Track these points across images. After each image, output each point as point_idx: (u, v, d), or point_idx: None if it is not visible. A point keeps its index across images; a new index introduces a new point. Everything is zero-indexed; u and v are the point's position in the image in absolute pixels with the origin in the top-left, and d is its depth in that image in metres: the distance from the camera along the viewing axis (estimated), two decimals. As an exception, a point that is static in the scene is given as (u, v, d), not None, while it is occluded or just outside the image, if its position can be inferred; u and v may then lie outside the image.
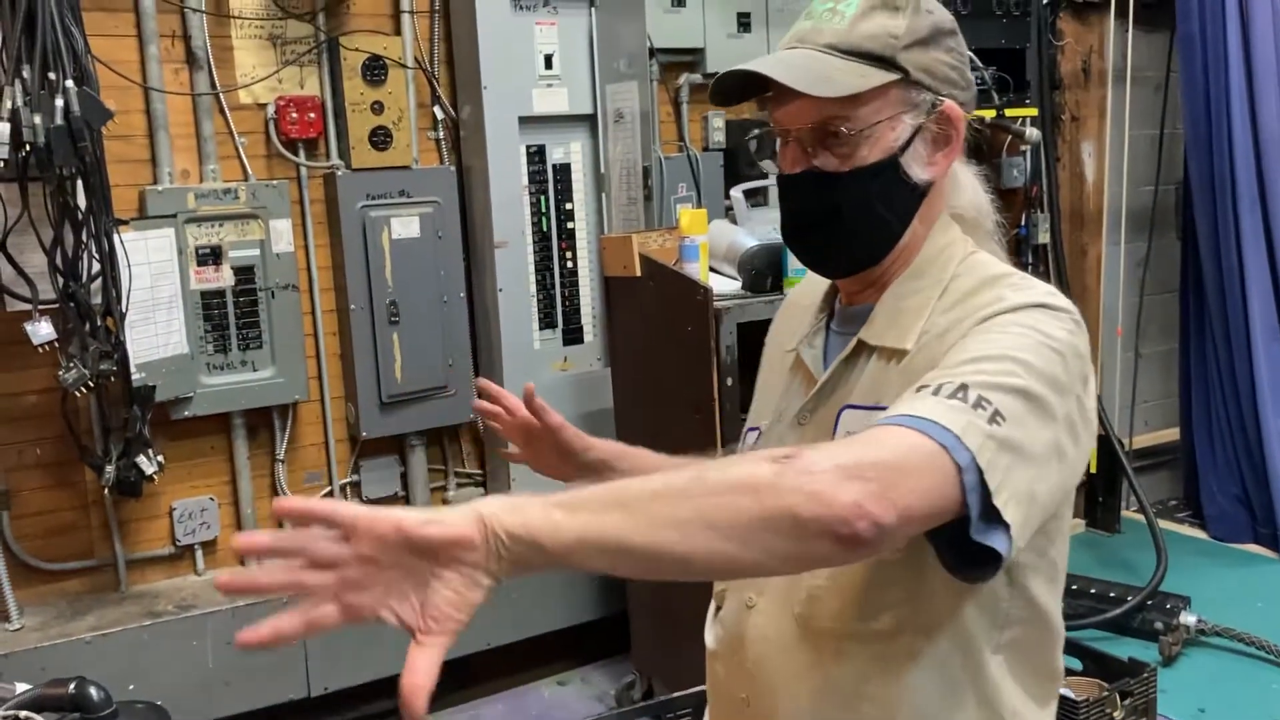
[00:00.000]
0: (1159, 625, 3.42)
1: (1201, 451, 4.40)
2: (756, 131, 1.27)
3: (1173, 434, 4.67)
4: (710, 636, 1.34)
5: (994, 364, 1.03)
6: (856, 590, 1.13)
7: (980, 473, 0.96)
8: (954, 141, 1.18)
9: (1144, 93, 4.56)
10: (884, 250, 1.20)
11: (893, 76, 1.14)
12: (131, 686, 2.78)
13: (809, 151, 1.18)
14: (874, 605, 1.13)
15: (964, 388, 1.00)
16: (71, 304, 2.71)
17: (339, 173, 3.21)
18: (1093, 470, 4.39)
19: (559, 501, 0.90)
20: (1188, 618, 3.42)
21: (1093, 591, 3.63)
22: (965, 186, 1.27)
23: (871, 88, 1.13)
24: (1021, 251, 4.46)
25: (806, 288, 1.42)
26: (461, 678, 3.42)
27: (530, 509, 0.89)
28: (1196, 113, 4.19)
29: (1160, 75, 4.56)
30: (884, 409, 1.06)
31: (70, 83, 2.56)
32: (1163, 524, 3.96)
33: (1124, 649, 3.16)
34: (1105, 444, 4.23)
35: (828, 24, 1.17)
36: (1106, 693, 2.74)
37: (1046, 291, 1.13)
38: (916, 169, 1.17)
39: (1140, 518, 3.95)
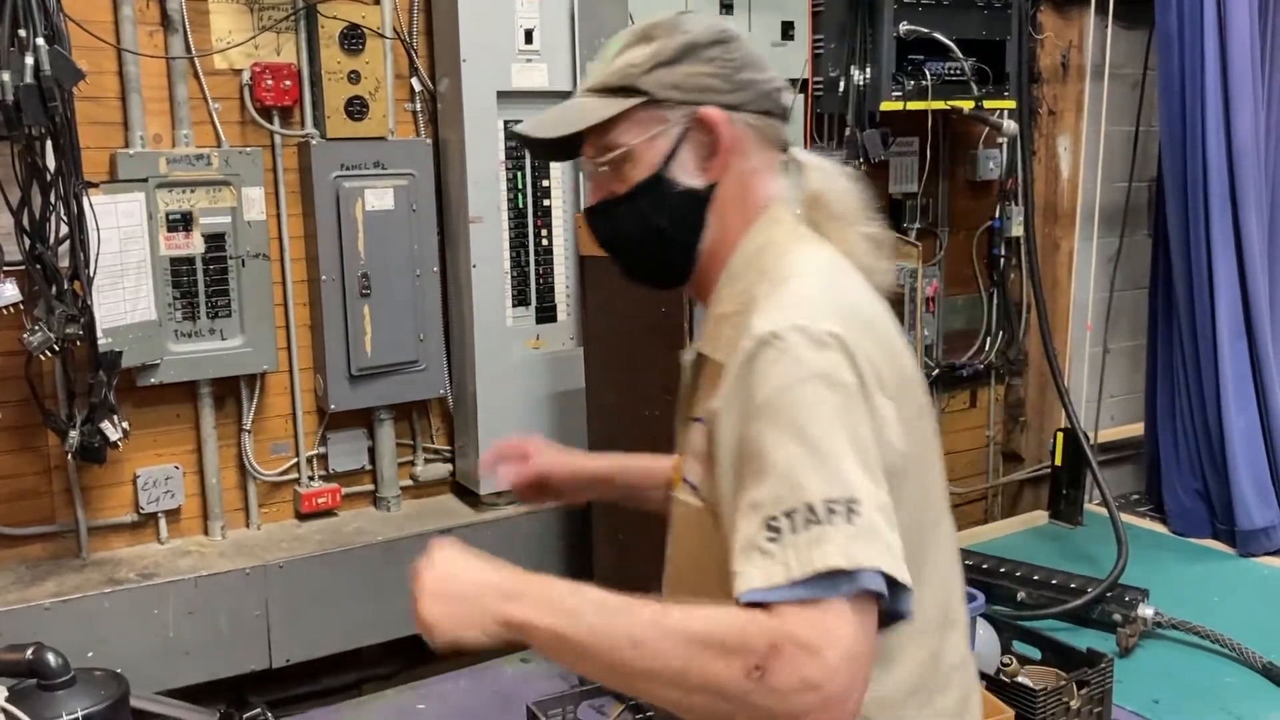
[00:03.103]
0: (1117, 617, 3.47)
1: (1165, 447, 4.45)
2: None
3: (1138, 429, 4.73)
4: None
5: (781, 479, 1.06)
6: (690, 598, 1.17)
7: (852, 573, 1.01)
8: (721, 145, 1.24)
9: (1121, 89, 4.58)
10: (685, 260, 1.28)
11: (634, 100, 1.24)
12: (91, 654, 2.76)
13: (604, 183, 1.30)
14: None
15: (783, 524, 1.03)
16: (38, 266, 2.67)
17: (313, 142, 3.18)
18: (1058, 463, 4.43)
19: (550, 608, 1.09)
20: (1145, 610, 3.46)
21: (1053, 583, 3.67)
22: (813, 175, 1.30)
23: (612, 115, 1.24)
24: (995, 244, 4.50)
25: None
26: (426, 652, 3.42)
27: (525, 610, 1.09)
28: (1172, 112, 4.22)
29: (1138, 72, 4.59)
30: (701, 422, 1.20)
31: (41, 40, 2.51)
32: (1124, 518, 4.01)
33: (1082, 640, 3.20)
34: (1071, 437, 4.27)
35: (594, 70, 1.31)
36: (1064, 682, 2.78)
37: (796, 303, 1.15)
38: (686, 177, 1.25)
39: (1103, 511, 3.99)
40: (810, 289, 1.17)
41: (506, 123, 3.32)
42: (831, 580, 1.00)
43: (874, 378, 1.11)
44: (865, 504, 1.03)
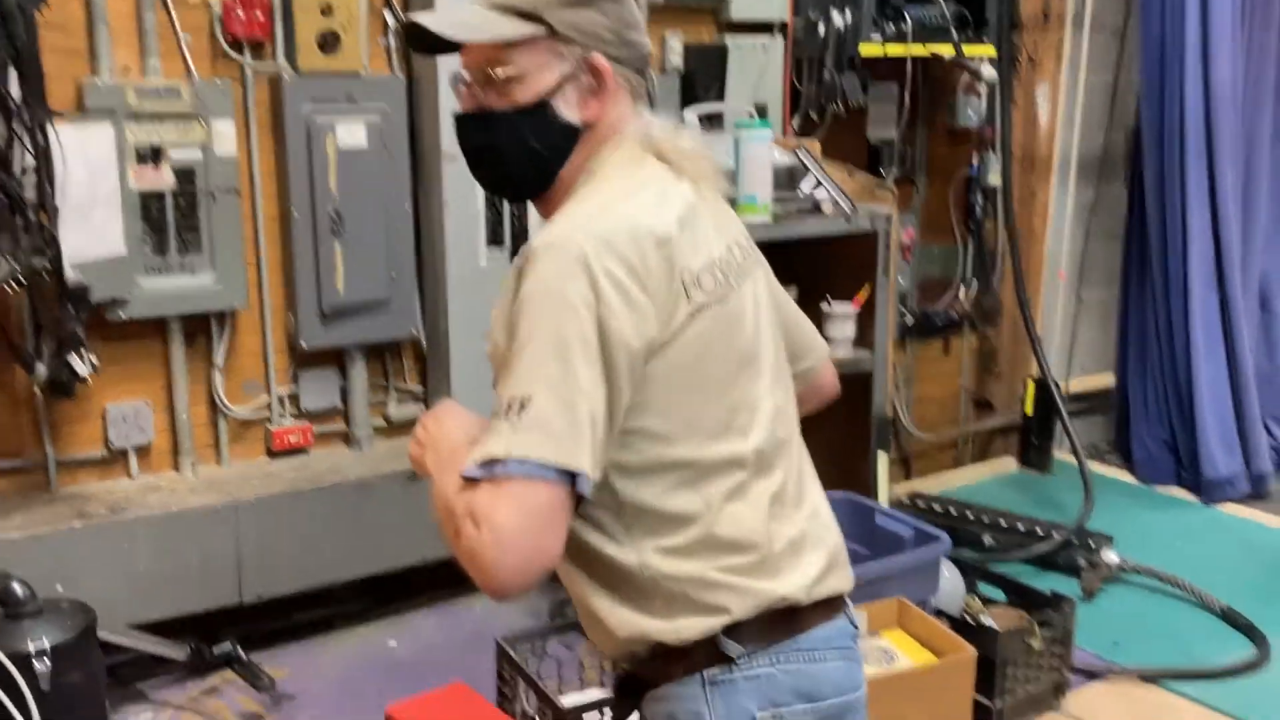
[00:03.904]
0: (1082, 562, 3.53)
1: (1134, 396, 4.50)
2: (454, 81, 1.44)
3: (1108, 379, 4.77)
4: None
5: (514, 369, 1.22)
6: None
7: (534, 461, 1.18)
8: (604, 90, 1.36)
9: (1102, 38, 4.57)
10: (544, 181, 1.39)
11: (538, 30, 1.33)
12: (60, 587, 2.75)
13: (478, 93, 1.38)
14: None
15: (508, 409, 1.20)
16: (3, 196, 2.63)
17: (285, 76, 3.14)
18: (1029, 412, 4.47)
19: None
20: (1110, 555, 3.52)
21: (1020, 528, 3.73)
22: (670, 132, 1.42)
23: (519, 37, 1.33)
24: (972, 192, 4.49)
25: None
26: (397, 590, 3.44)
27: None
28: (1151, 62, 4.22)
29: (1119, 21, 4.57)
30: None
31: (3, -36, 2.46)
32: (1092, 466, 4.06)
33: (1047, 584, 3.25)
34: (1042, 386, 4.31)
35: None
36: (1027, 623, 2.82)
37: (572, 223, 1.28)
38: (567, 112, 1.36)
39: (1072, 459, 4.04)
40: (590, 206, 1.32)
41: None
42: (490, 466, 1.18)
43: (611, 282, 1.23)
44: (537, 401, 1.19)
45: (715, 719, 1.31)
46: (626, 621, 1.32)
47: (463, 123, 1.42)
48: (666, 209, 1.32)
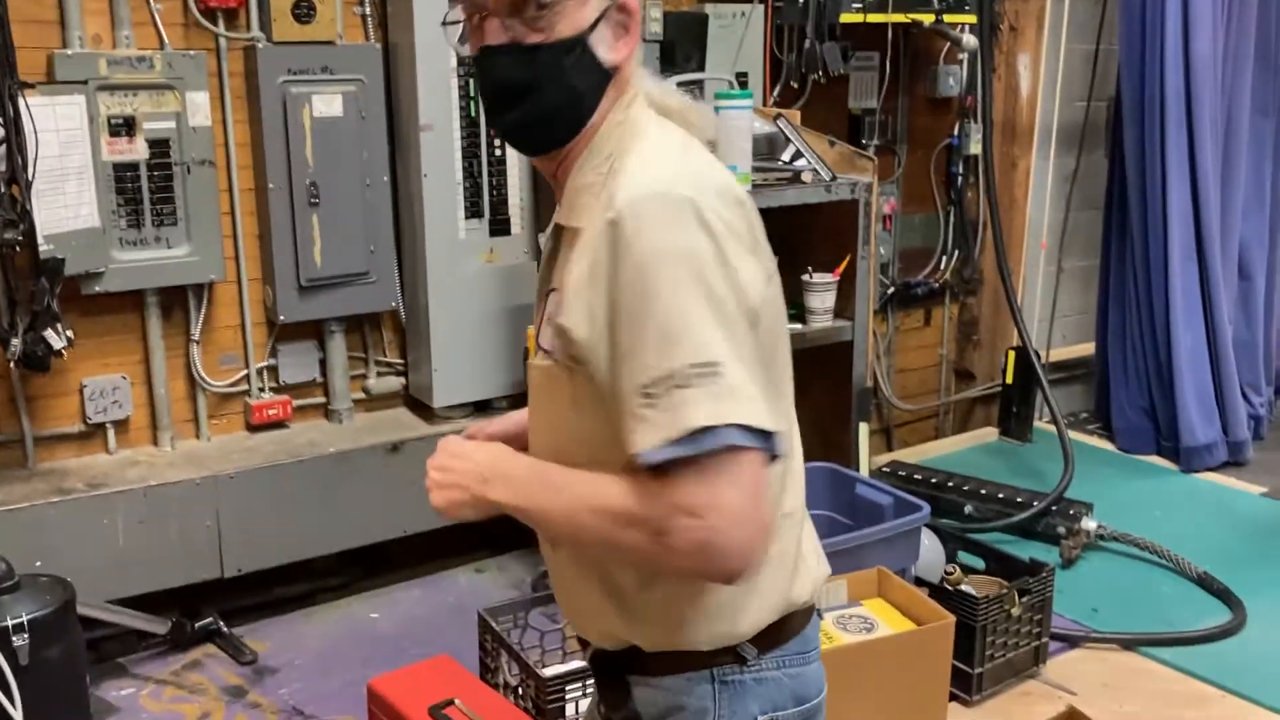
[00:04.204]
0: (1061, 530, 3.55)
1: (1114, 365, 4.52)
2: (448, 17, 1.32)
3: (1088, 348, 4.79)
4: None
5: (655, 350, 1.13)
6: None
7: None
8: (632, 30, 1.28)
9: (1083, 6, 4.55)
10: (575, 128, 1.28)
11: None
12: (39, 563, 2.74)
13: (506, 26, 1.24)
14: None
15: (657, 390, 1.12)
16: (-27, 169, 2.60)
17: (259, 45, 3.10)
18: (1009, 381, 4.49)
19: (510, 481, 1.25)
20: (1088, 523, 3.54)
21: (1000, 496, 3.74)
22: (670, 90, 1.37)
23: None
24: (953, 162, 4.49)
25: None
26: (379, 563, 3.44)
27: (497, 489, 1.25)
28: (1132, 31, 4.21)
29: (1100, -10, 4.56)
30: (561, 290, 1.22)
31: (-32, -69, 2.42)
32: (1073, 435, 4.08)
33: (1027, 551, 3.27)
34: (1023, 356, 4.32)
35: None
36: (1005, 590, 2.84)
37: (657, 169, 1.20)
38: (603, 50, 1.26)
39: (1052, 428, 4.05)
40: (663, 159, 1.23)
41: (459, 29, 3.24)
42: (698, 438, 1.09)
43: (729, 235, 1.17)
44: (725, 363, 1.11)
45: (720, 719, 1.27)
46: (643, 618, 1.27)
47: (491, 56, 1.26)
48: (725, 171, 1.26)
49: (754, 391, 1.12)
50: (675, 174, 1.19)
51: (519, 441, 1.42)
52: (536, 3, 1.22)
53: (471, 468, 1.26)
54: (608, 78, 1.27)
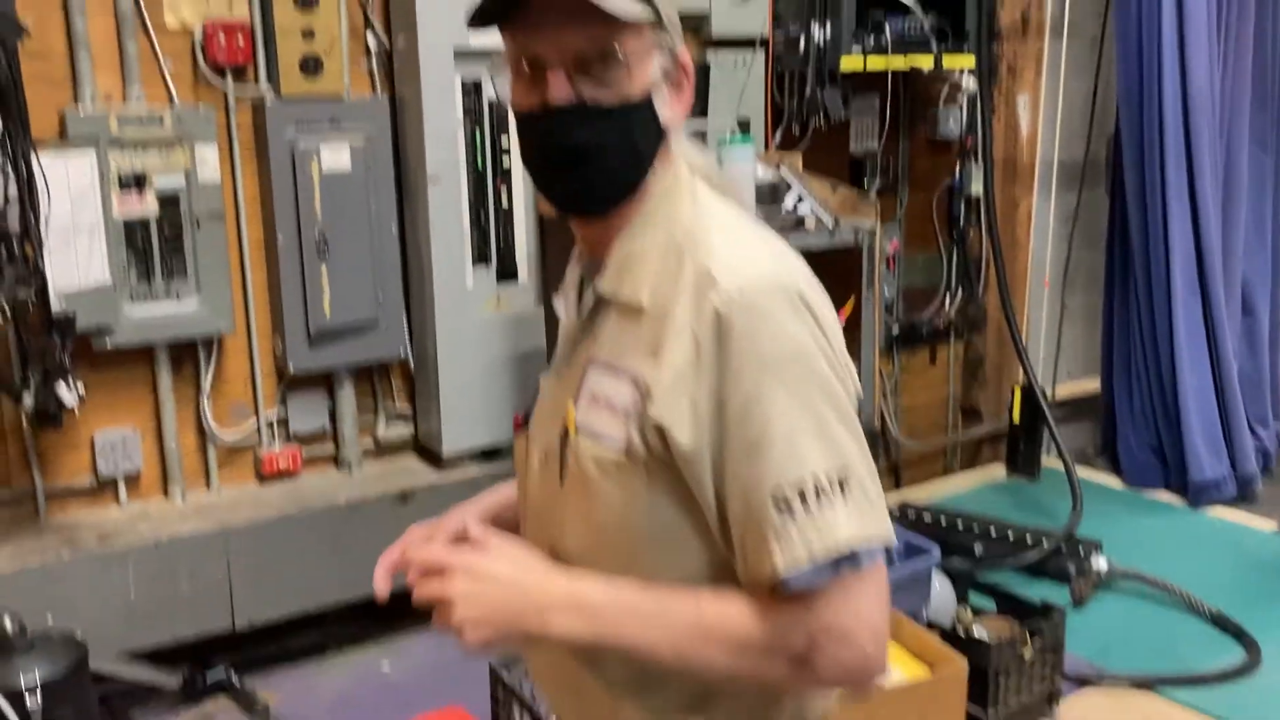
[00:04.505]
0: (1071, 569, 3.54)
1: (1120, 401, 4.52)
2: (493, 62, 1.23)
3: (1094, 384, 4.79)
4: None
5: (784, 454, 1.07)
6: (601, 561, 1.17)
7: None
8: (685, 87, 1.22)
9: (1080, 46, 4.60)
10: (633, 189, 1.20)
11: (650, 15, 1.16)
12: (50, 618, 2.75)
13: (571, 81, 1.14)
14: (619, 576, 1.16)
15: (792, 501, 1.05)
16: (-13, 228, 2.63)
17: (268, 100, 3.14)
18: (1016, 419, 4.49)
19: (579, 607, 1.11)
20: (1099, 562, 3.53)
21: (1010, 536, 3.73)
22: (699, 150, 1.31)
23: (644, 19, 1.14)
24: (954, 202, 4.52)
25: None
26: (390, 613, 3.43)
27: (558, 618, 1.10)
28: (1129, 69, 4.25)
29: (1096, 29, 4.60)
30: (624, 373, 1.14)
31: (-17, -3, 2.46)
32: (1080, 471, 4.07)
33: (1038, 591, 3.26)
34: (1028, 393, 4.33)
35: None
36: (1018, 632, 2.83)
37: (763, 259, 1.14)
38: (663, 110, 1.19)
39: (1060, 465, 4.05)
40: (748, 240, 1.17)
41: (464, 82, 3.29)
42: (848, 559, 1.05)
43: (829, 323, 1.13)
44: (858, 469, 1.07)
45: None
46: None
47: (555, 117, 1.15)
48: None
49: (881, 497, 1.09)
50: (774, 261, 1.14)
51: (503, 523, 1.34)
52: (605, 58, 1.13)
53: (515, 596, 1.11)
54: (664, 137, 1.21)
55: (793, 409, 1.06)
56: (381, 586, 1.26)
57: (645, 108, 1.17)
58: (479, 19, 1.18)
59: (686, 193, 1.21)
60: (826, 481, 1.05)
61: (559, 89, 1.14)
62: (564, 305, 1.30)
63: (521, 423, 1.38)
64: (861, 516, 1.06)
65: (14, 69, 2.59)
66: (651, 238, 1.19)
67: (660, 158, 1.21)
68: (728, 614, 1.08)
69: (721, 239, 1.15)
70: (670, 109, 1.20)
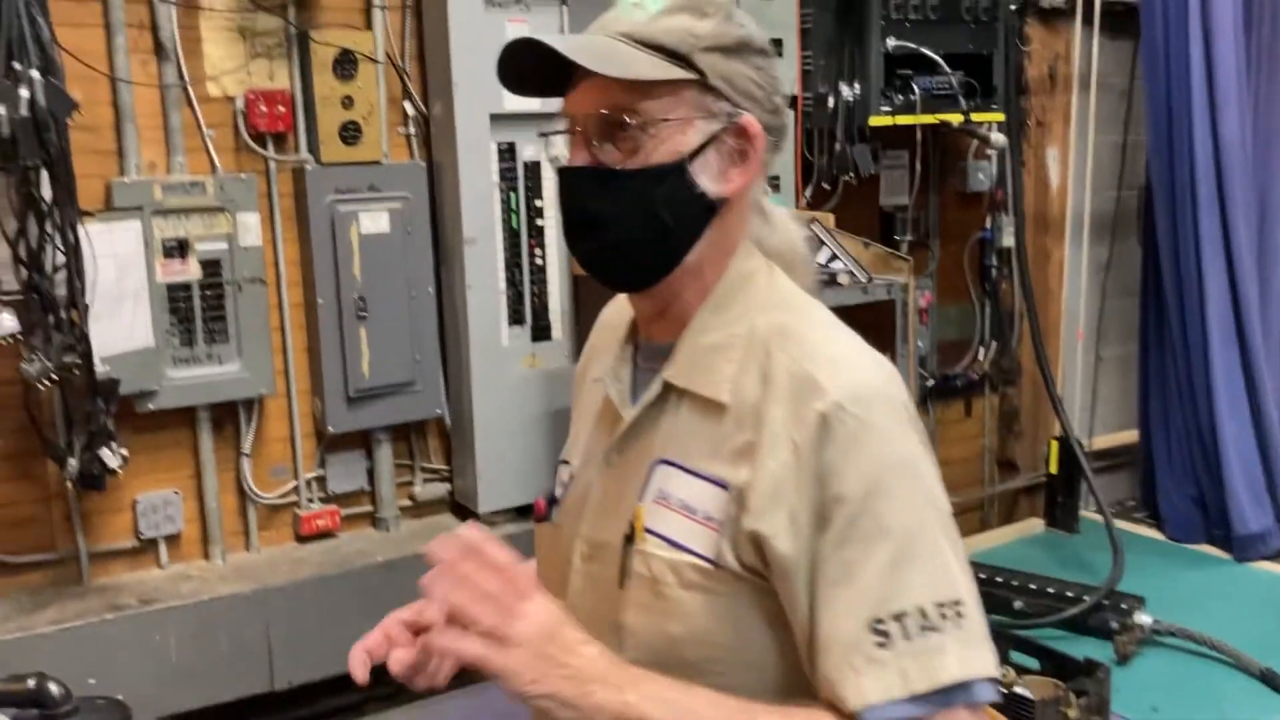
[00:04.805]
0: (1114, 625, 3.48)
1: (1159, 453, 4.47)
2: (550, 129, 1.21)
3: (1131, 436, 4.74)
4: None
5: (892, 581, 1.02)
6: (668, 673, 1.08)
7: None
8: (751, 159, 1.14)
9: (1109, 99, 4.62)
10: (667, 264, 1.13)
11: (687, 75, 1.10)
12: (92, 680, 2.76)
13: (593, 145, 1.12)
14: None
15: (892, 628, 1.00)
16: (35, 296, 2.69)
17: (308, 167, 3.20)
18: (1053, 471, 4.45)
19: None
20: (1143, 617, 3.48)
21: (1050, 591, 3.69)
22: (778, 225, 1.24)
23: (663, 79, 1.08)
24: (986, 255, 4.52)
25: (622, 309, 1.34)
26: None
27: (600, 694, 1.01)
28: (1159, 121, 4.25)
29: (1125, 82, 4.62)
30: (707, 479, 1.07)
31: (36, 73, 2.53)
32: (1120, 524, 4.02)
33: (1080, 648, 3.21)
34: (1065, 445, 4.29)
35: (628, 15, 1.14)
36: (1061, 691, 2.79)
37: (865, 363, 1.09)
38: (706, 180, 1.12)
39: (1098, 518, 4.01)
40: (856, 344, 1.12)
41: (499, 145, 3.35)
42: (949, 693, 0.99)
43: (928, 445, 1.08)
44: (968, 602, 1.03)
45: None
46: None
47: (571, 178, 1.14)
48: None
49: (985, 623, 1.03)
50: (877, 368, 1.09)
51: None
52: (627, 124, 1.09)
53: (597, 663, 1.02)
54: (711, 211, 1.13)
55: (897, 531, 1.01)
56: (359, 672, 1.27)
57: (673, 175, 1.10)
58: (511, 84, 1.18)
59: (764, 280, 1.16)
60: (932, 611, 1.00)
61: (575, 151, 1.14)
62: (613, 388, 1.22)
63: (545, 509, 1.30)
64: (970, 649, 1.00)
65: (64, 142, 2.66)
66: (730, 329, 1.13)
67: (713, 232, 1.13)
68: None
69: (821, 339, 1.10)
70: (721, 180, 1.13)
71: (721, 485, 1.08)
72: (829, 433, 1.03)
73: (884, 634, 0.99)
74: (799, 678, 1.08)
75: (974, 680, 1.00)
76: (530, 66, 1.12)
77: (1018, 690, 2.80)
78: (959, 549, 1.05)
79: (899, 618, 0.99)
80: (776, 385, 1.07)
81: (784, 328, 1.12)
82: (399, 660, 1.29)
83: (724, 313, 1.15)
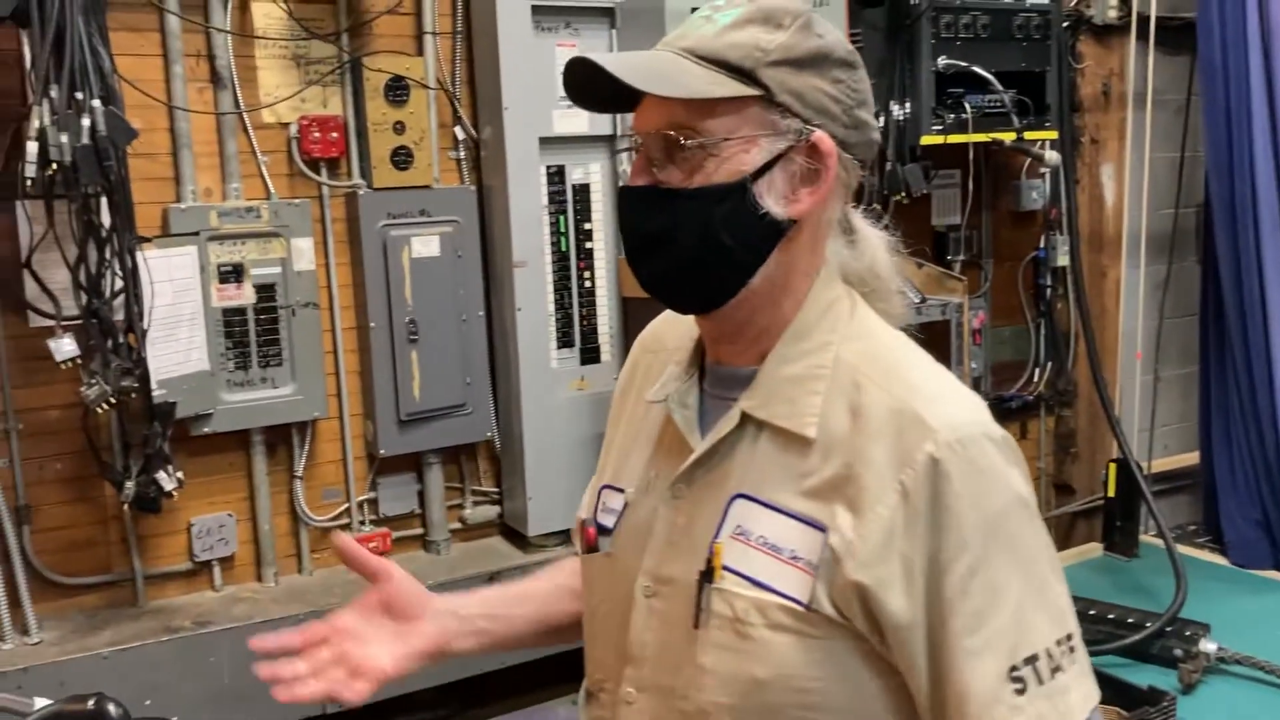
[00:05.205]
0: (1178, 652, 3.39)
1: (1221, 476, 4.37)
2: (625, 145, 1.21)
3: (1192, 458, 4.64)
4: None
5: (1011, 629, 1.02)
6: (749, 716, 1.08)
7: None
8: (823, 178, 1.08)
9: (1165, 115, 4.55)
10: (731, 287, 1.09)
11: (751, 91, 1.05)
12: (148, 701, 2.79)
13: (654, 164, 1.08)
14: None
15: (1025, 674, 1.01)
16: (94, 321, 2.73)
17: (360, 192, 3.23)
18: (1111, 494, 4.36)
19: None
20: (1208, 645, 3.39)
21: (1110, 617, 3.60)
22: (865, 249, 1.19)
23: (722, 97, 1.04)
24: (1040, 274, 4.46)
25: (668, 329, 1.33)
26: (478, 694, 3.42)
27: None
28: (1218, 138, 4.18)
29: (1181, 98, 4.55)
30: (795, 516, 1.05)
31: (97, 102, 2.58)
32: (1182, 549, 3.93)
33: (1143, 676, 3.14)
34: (1124, 468, 4.21)
35: (696, 29, 1.09)
36: (1125, 721, 2.72)
37: (965, 399, 1.08)
38: (771, 201, 1.07)
39: (1159, 542, 3.92)
40: (951, 380, 1.10)
41: (548, 168, 3.36)
42: None
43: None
44: (1077, 633, 1.05)
45: None
46: None
47: (630, 198, 1.11)
48: None
49: (1089, 661, 1.06)
50: (975, 404, 1.07)
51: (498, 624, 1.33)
52: (679, 139, 1.05)
53: None
54: (778, 232, 1.08)
55: (1019, 574, 1.01)
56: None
57: (735, 196, 1.05)
58: (577, 100, 1.15)
59: (846, 310, 1.13)
60: (1055, 651, 1.01)
61: (636, 169, 1.10)
62: (679, 414, 1.18)
63: (594, 538, 1.26)
64: (1084, 678, 1.03)
65: (123, 169, 2.70)
66: (813, 359, 1.10)
67: (782, 254, 1.09)
68: None
69: (916, 375, 1.08)
70: (789, 201, 1.08)
71: (815, 526, 1.04)
72: (942, 476, 1.00)
73: (1020, 680, 1.00)
74: None
75: (1091, 707, 1.04)
76: (597, 83, 1.08)
77: (1079, 719, 2.73)
78: (1063, 579, 1.05)
79: (1031, 661, 1.00)
80: (873, 421, 1.04)
81: (873, 359, 1.09)
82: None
83: (802, 342, 1.11)
